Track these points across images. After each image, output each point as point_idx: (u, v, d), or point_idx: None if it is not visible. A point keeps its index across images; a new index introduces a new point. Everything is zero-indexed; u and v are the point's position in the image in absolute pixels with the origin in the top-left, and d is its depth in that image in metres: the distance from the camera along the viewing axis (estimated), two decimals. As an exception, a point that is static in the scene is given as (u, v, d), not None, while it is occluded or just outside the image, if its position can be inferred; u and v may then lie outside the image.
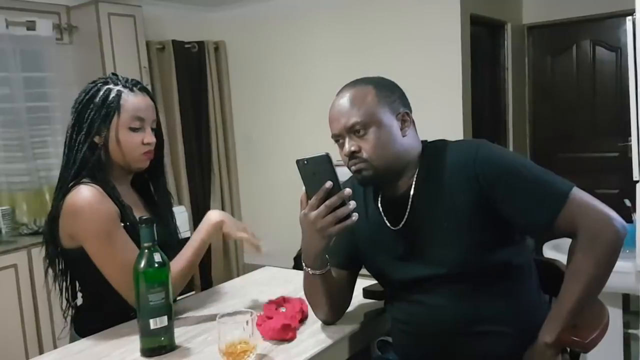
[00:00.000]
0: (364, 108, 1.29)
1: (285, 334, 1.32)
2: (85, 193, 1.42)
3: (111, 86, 1.52)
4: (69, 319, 1.60)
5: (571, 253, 1.24)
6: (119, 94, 1.50)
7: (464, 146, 1.33)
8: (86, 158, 1.48)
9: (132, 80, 1.57)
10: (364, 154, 1.29)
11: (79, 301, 1.61)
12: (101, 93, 1.50)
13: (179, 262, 1.49)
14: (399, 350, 1.43)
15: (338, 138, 1.33)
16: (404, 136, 1.32)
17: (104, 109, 1.49)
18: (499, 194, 1.24)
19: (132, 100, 1.51)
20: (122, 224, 1.46)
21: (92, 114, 1.49)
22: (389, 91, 1.34)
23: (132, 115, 1.50)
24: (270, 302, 1.50)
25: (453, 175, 1.29)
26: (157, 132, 1.59)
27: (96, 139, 1.49)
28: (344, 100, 1.31)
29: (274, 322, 1.34)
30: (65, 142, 1.53)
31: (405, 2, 4.12)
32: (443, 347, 1.31)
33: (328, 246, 1.26)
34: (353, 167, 1.31)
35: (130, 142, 1.51)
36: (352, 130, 1.29)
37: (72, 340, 1.52)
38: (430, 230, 1.31)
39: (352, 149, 1.29)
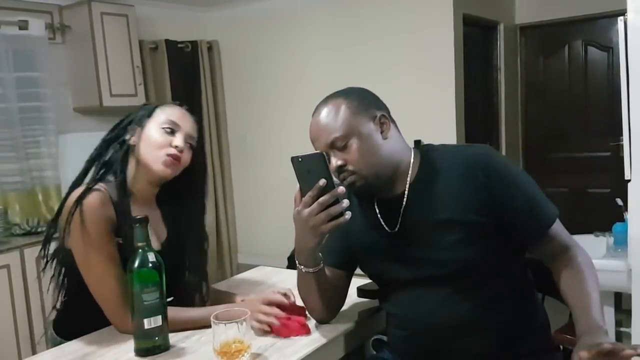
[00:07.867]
0: (340, 122, 1.29)
1: (306, 330, 1.37)
2: (85, 195, 1.40)
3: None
4: (51, 317, 1.57)
5: (564, 264, 1.27)
6: (158, 105, 1.56)
7: (469, 152, 1.34)
8: (113, 157, 1.50)
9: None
10: (350, 167, 1.29)
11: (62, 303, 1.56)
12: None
13: (180, 315, 1.43)
14: (395, 349, 1.44)
15: None
16: (385, 139, 1.32)
17: (141, 110, 1.55)
18: (501, 202, 1.26)
19: (169, 108, 1.55)
20: (118, 239, 1.42)
21: (131, 116, 1.55)
22: (360, 98, 1.33)
23: (166, 118, 1.51)
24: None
25: (453, 179, 1.29)
26: (196, 153, 1.60)
27: (128, 138, 1.51)
28: (320, 119, 1.32)
29: (292, 321, 1.37)
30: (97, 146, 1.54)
31: (397, 3, 4.13)
32: (438, 347, 1.31)
33: (321, 244, 1.27)
34: (344, 182, 1.31)
35: (157, 139, 1.48)
36: (334, 146, 1.29)
37: (52, 342, 1.50)
38: (425, 232, 1.31)
39: (339, 163, 1.29)
